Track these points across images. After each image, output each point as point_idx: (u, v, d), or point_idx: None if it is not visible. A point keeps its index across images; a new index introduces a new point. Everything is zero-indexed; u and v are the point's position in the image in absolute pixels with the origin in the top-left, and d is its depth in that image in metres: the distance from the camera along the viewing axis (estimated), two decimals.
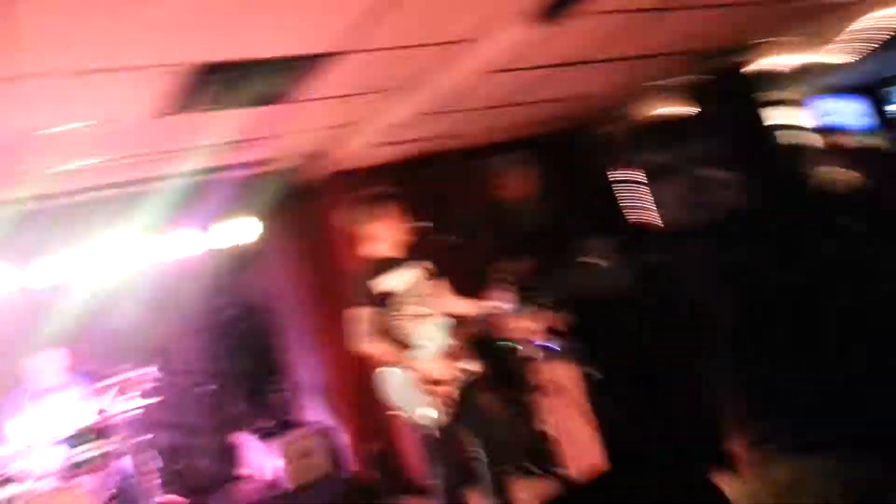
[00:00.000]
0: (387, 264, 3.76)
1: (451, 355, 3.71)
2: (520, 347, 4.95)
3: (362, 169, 5.48)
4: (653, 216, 5.88)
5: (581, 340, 4.05)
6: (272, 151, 4.92)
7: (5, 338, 5.67)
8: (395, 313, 3.70)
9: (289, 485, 5.91)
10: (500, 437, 3.96)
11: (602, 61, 4.56)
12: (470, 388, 3.75)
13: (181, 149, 4.41)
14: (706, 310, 4.09)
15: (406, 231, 3.82)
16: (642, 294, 3.99)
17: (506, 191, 6.45)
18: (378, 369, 3.75)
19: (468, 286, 4.04)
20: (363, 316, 3.63)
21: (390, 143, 5.08)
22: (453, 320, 3.83)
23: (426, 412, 3.61)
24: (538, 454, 4.99)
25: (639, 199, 6.14)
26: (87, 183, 4.51)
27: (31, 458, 5.19)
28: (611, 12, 3.69)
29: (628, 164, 6.17)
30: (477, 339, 3.91)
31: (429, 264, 3.92)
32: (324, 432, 6.20)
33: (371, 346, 3.63)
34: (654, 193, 5.77)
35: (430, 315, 3.77)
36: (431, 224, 3.88)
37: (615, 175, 6.48)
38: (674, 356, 4.00)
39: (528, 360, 4.76)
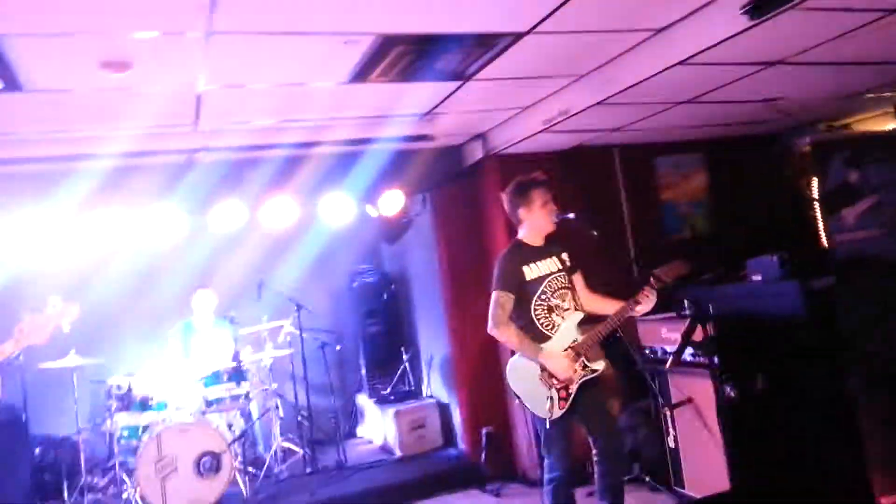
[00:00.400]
0: (535, 252, 3.75)
1: (579, 351, 3.64)
2: (654, 354, 4.78)
3: (523, 154, 5.45)
4: (836, 238, 5.38)
5: (723, 356, 3.81)
6: (439, 127, 4.96)
7: (175, 274, 6.25)
8: (535, 302, 3.67)
9: (398, 452, 6.06)
10: (616, 442, 3.83)
11: (808, 64, 4.17)
12: (593, 386, 3.67)
13: (353, 117, 4.55)
14: (874, 347, 3.73)
15: (554, 221, 3.77)
16: (806, 320, 3.68)
17: (671, 192, 6.21)
18: (510, 355, 3.75)
19: (611, 284, 3.94)
20: (501, 300, 3.64)
21: (556, 131, 4.98)
22: (586, 316, 3.75)
23: (545, 404, 3.57)
24: (656, 465, 4.82)
25: (826, 218, 5.59)
26: (260, 141, 4.73)
27: (173, 388, 5.65)
28: (826, 10, 3.35)
29: (819, 179, 5.60)
30: (610, 339, 3.79)
31: (571, 257, 3.86)
32: (440, 407, 6.29)
33: (503, 332, 3.64)
34: (844, 215, 5.25)
35: (566, 309, 3.71)
36: (581, 217, 3.79)
37: (803, 189, 5.95)
38: (826, 388, 3.68)
39: (662, 368, 4.57)
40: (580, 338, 3.66)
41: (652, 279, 3.64)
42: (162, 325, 6.16)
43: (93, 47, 3.01)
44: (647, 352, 4.87)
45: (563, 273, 3.77)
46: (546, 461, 3.74)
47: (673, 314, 4.48)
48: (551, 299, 3.68)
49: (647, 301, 3.63)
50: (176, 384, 5.68)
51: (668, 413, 4.65)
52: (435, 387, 6.55)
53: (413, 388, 6.79)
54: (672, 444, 4.69)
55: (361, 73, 3.72)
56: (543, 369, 3.60)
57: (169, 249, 6.01)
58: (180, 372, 5.74)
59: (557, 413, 3.59)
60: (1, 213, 4.52)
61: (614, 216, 5.96)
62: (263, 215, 5.28)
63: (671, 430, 4.69)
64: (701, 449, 4.40)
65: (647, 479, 4.89)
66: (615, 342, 4.96)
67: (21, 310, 3.02)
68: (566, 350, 3.64)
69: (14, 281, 5.34)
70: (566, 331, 3.68)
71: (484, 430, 5.54)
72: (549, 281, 3.71)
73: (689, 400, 4.47)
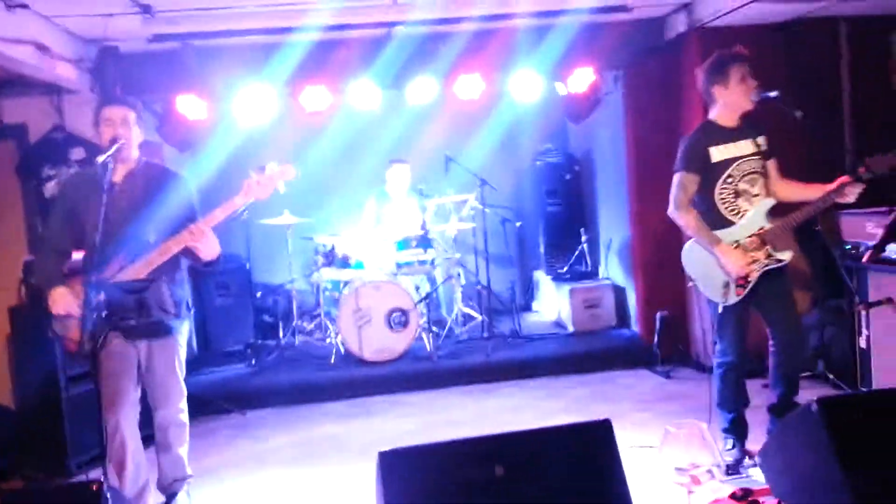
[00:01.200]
0: (725, 133, 3.53)
1: (765, 239, 3.47)
2: (855, 249, 4.44)
3: (732, 27, 5.03)
4: None
5: None
6: None
7: (373, 146, 6.80)
8: (720, 185, 3.50)
9: (571, 327, 6.28)
10: (796, 335, 3.60)
11: None
12: (777, 276, 3.50)
13: None
14: None
15: (753, 100, 3.49)
16: None
17: None
18: (687, 239, 3.66)
19: (808, 170, 3.65)
20: (684, 182, 3.51)
21: (768, 0, 4.52)
22: (778, 203, 3.52)
23: (720, 288, 3.48)
24: (843, 365, 4.59)
25: None
26: (452, 13, 4.78)
27: (369, 250, 6.24)
28: None
29: None
30: (806, 229, 3.54)
31: (769, 141, 3.58)
32: (615, 290, 6.36)
33: (682, 216, 3.52)
34: None
35: (755, 195, 3.50)
36: (784, 96, 3.48)
37: None
38: None
39: (860, 263, 4.25)
40: (768, 225, 3.47)
41: (862, 168, 3.31)
42: (361, 191, 6.73)
43: None
44: (847, 247, 4.53)
45: (758, 157, 3.52)
46: (718, 346, 3.65)
47: (884, 208, 4.10)
48: (739, 183, 3.49)
49: (852, 191, 3.33)
50: (371, 247, 6.26)
51: (863, 312, 4.36)
52: (612, 269, 6.59)
53: (590, 269, 6.87)
54: (863, 345, 4.42)
55: None
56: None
57: (368, 123, 6.47)
58: (374, 235, 6.30)
59: (733, 299, 3.48)
60: (227, 84, 5.09)
61: (833, 100, 5.38)
62: (454, 90, 5.43)
63: (864, 329, 4.40)
64: (894, 352, 4.12)
65: (831, 377, 4.69)
66: (813, 234, 4.68)
67: (247, 170, 3.43)
68: (751, 237, 3.49)
69: (241, 146, 6.06)
70: (754, 217, 3.50)
71: (658, 314, 5.54)
72: (739, 164, 3.49)
73: (889, 300, 4.14)
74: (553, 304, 6.88)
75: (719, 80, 3.50)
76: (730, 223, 3.50)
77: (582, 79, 5.45)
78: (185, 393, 3.40)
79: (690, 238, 3.63)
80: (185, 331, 3.38)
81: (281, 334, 6.34)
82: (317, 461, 4.20)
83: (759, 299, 3.52)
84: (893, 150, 3.33)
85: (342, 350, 5.88)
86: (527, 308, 7.61)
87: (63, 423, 4.18)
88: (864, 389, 4.37)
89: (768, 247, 3.47)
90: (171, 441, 3.37)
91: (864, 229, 4.42)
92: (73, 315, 3.05)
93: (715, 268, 3.50)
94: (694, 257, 3.60)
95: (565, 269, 6.91)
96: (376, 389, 5.42)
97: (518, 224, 6.94)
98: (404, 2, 4.44)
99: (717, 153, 3.49)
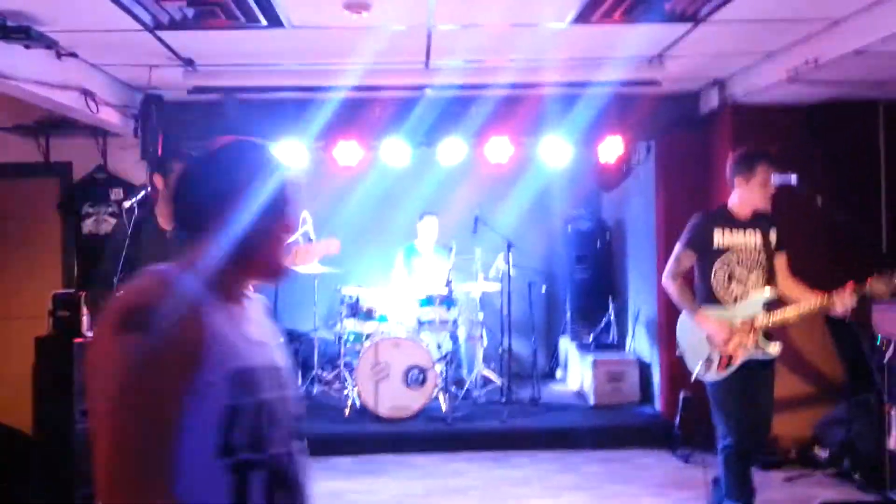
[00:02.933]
0: (735, 221, 3.63)
1: (756, 328, 3.51)
2: (884, 344, 4.24)
3: (765, 106, 5.03)
4: None
5: None
6: (668, 72, 4.72)
7: (404, 202, 6.90)
8: (717, 266, 3.59)
9: (592, 400, 6.12)
10: (762, 428, 3.68)
11: None
12: (762, 368, 3.58)
13: (575, 58, 4.53)
14: None
15: (769, 195, 3.59)
16: None
17: None
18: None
19: (838, 261, 3.59)
20: (680, 256, 3.67)
21: (804, 82, 4.49)
22: (777, 297, 3.58)
23: (701, 361, 3.60)
24: (870, 464, 4.34)
25: None
26: (482, 80, 4.88)
27: (394, 304, 6.26)
28: None
29: None
30: (836, 320, 3.57)
31: (781, 235, 3.66)
32: (640, 364, 6.21)
33: (669, 285, 3.66)
34: None
35: (751, 282, 3.56)
36: (803, 182, 3.47)
37: None
38: None
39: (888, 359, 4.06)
40: (762, 315, 3.51)
41: (857, 285, 3.32)
42: (391, 245, 6.79)
43: None
44: (878, 341, 4.33)
45: (762, 251, 3.60)
46: (718, 429, 3.67)
47: None
48: (736, 268, 3.59)
49: (842, 304, 3.34)
50: (396, 300, 6.28)
51: (894, 412, 4.13)
52: (639, 342, 6.44)
53: (616, 340, 6.73)
54: (892, 446, 4.18)
55: (584, 14, 3.70)
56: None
57: (400, 179, 6.58)
58: (400, 290, 6.32)
59: (714, 375, 3.56)
60: (264, 136, 5.24)
61: (869, 188, 5.23)
62: (484, 152, 5.50)
63: (894, 429, 4.17)
64: None
65: (857, 476, 4.44)
66: (844, 326, 4.50)
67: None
68: (743, 321, 3.51)
69: None
70: (750, 304, 3.55)
71: (682, 393, 5.36)
72: (740, 251, 3.59)
73: None
74: (577, 373, 6.73)
75: (744, 173, 3.60)
76: (722, 303, 3.58)
77: (612, 148, 5.44)
78: None
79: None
80: None
81: (299, 383, 6.35)
82: None
83: (739, 385, 3.55)
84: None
85: (358, 404, 5.84)
86: (551, 375, 7.47)
87: (73, 455, 4.23)
88: (893, 496, 4.13)
89: (758, 335, 3.52)
90: None
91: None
92: None
93: (702, 341, 3.59)
94: (685, 328, 3.75)
95: (591, 338, 6.79)
96: (387, 447, 5.35)
97: (544, 288, 6.87)
98: (436, 66, 4.55)
99: (720, 237, 3.61)
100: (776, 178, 3.52)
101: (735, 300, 3.56)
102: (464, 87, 4.90)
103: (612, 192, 6.49)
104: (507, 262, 6.15)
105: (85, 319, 4.07)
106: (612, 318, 6.77)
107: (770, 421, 3.70)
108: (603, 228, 7.06)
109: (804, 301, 3.48)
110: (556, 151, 5.52)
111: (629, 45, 4.31)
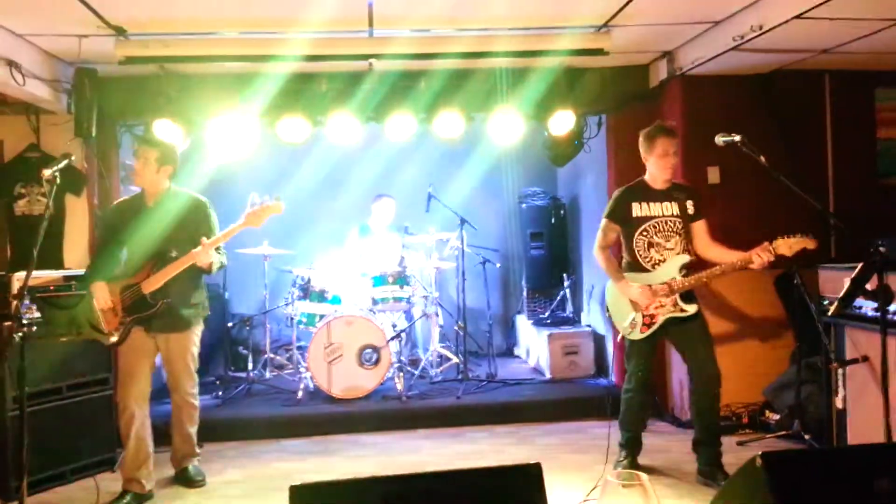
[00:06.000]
0: (651, 193, 4.01)
1: (673, 289, 3.89)
2: (825, 303, 4.30)
3: (712, 76, 5.06)
4: None
5: None
6: (617, 42, 4.67)
7: (354, 180, 6.87)
8: (637, 236, 3.98)
9: (548, 374, 6.11)
10: (709, 367, 3.95)
11: None
12: (684, 324, 3.93)
13: (523, 27, 4.45)
14: None
15: (667, 176, 3.99)
16: None
17: (892, 129, 5.42)
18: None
19: (789, 220, 3.83)
20: (605, 228, 4.07)
21: (750, 50, 4.50)
22: (694, 260, 3.97)
23: (625, 322, 4.00)
24: (819, 425, 4.40)
25: None
26: (430, 49, 4.67)
27: (346, 284, 6.15)
28: None
29: None
30: (784, 283, 3.94)
31: (697, 206, 4.01)
32: (596, 337, 6.22)
33: (597, 255, 4.09)
34: None
35: (669, 248, 3.95)
36: (747, 141, 3.58)
37: None
38: None
39: (837, 321, 4.11)
40: (679, 277, 3.90)
41: (772, 243, 3.68)
42: (342, 225, 6.67)
43: None
44: (825, 301, 4.38)
45: (679, 218, 3.97)
46: (626, 374, 4.22)
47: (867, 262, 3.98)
48: (654, 237, 3.96)
49: (759, 261, 3.69)
50: (348, 280, 6.17)
51: (839, 370, 4.19)
52: (593, 317, 6.45)
53: (572, 315, 6.74)
54: (840, 405, 4.24)
55: None
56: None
57: (350, 157, 6.45)
58: (352, 269, 6.22)
59: (637, 335, 3.99)
60: (203, 111, 5.08)
61: (815, 153, 5.31)
62: (434, 127, 5.39)
63: (841, 389, 4.23)
64: (872, 413, 3.93)
65: (807, 437, 4.50)
66: (792, 288, 4.55)
67: (221, 204, 3.91)
68: (662, 284, 3.90)
69: (217, 178, 6.03)
70: (667, 268, 3.95)
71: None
72: (657, 221, 3.97)
73: (865, 358, 3.98)
74: (533, 348, 6.73)
75: (646, 147, 4.03)
76: (644, 270, 3.98)
77: (563, 122, 5.39)
78: (197, 380, 4.13)
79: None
80: (198, 329, 4.06)
81: (250, 367, 6.20)
82: (262, 498, 4.04)
83: (675, 343, 4.12)
84: (801, 235, 3.63)
85: (311, 386, 5.74)
86: (509, 353, 7.45)
87: (5, 445, 4.06)
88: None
89: (676, 296, 3.91)
90: (183, 420, 4.12)
91: (843, 284, 4.28)
92: (106, 309, 3.79)
93: (627, 305, 4.00)
94: (612, 294, 4.12)
95: (547, 313, 6.79)
96: (341, 427, 5.25)
97: (498, 265, 6.83)
98: (381, 35, 4.44)
99: (637, 208, 4.00)
100: (720, 139, 3.66)
101: (654, 266, 3.96)
102: (411, 59, 4.78)
103: (563, 167, 6.45)
104: (461, 240, 6.09)
105: (14, 303, 3.90)
106: (568, 293, 6.77)
107: (714, 359, 3.97)
108: (557, 205, 7.04)
109: (723, 262, 3.82)
110: (507, 126, 5.44)
111: (576, 15, 4.26)
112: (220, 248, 3.94)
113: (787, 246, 3.63)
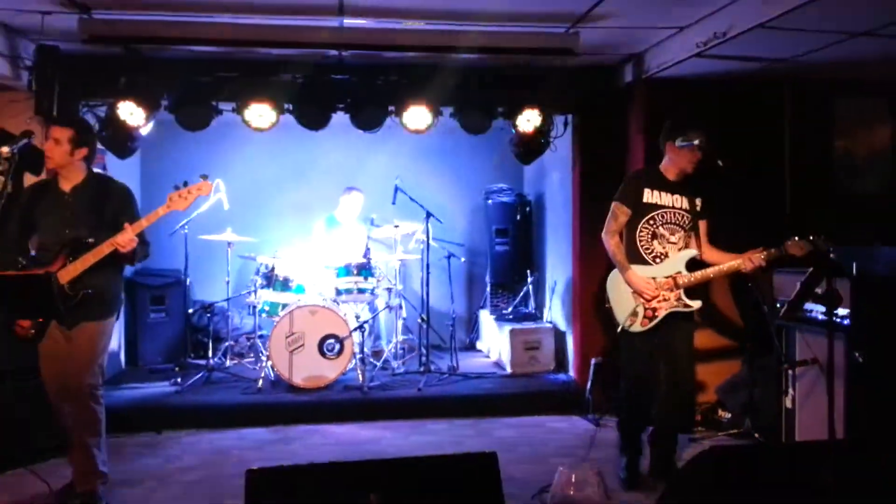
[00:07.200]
0: (664, 183, 3.90)
1: (678, 283, 3.82)
2: (779, 306, 4.42)
3: (677, 80, 5.14)
4: None
5: (857, 318, 3.52)
6: (585, 42, 4.73)
7: (322, 170, 6.82)
8: (642, 224, 3.88)
9: (509, 369, 6.17)
10: (682, 372, 3.93)
11: None
12: (682, 320, 3.86)
13: (496, 25, 4.48)
14: None
15: (695, 160, 3.82)
16: None
17: (849, 140, 5.58)
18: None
19: (749, 228, 4.04)
20: (616, 211, 3.91)
21: (713, 56, 4.60)
22: (697, 259, 3.92)
23: (627, 313, 3.84)
24: (770, 425, 4.53)
25: None
26: (399, 41, 4.70)
27: (310, 274, 6.13)
28: None
29: None
30: (739, 285, 4.03)
31: (704, 204, 3.95)
32: (556, 333, 6.29)
33: (607, 240, 3.93)
34: None
35: (672, 242, 3.88)
36: (706, 145, 3.73)
37: None
38: None
39: (788, 324, 4.25)
40: (684, 272, 3.83)
41: (766, 251, 3.70)
42: (308, 214, 6.63)
43: None
44: (778, 304, 4.51)
45: (687, 213, 3.89)
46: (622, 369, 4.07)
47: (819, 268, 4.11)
48: (660, 228, 3.87)
49: (752, 264, 3.73)
50: (313, 270, 6.15)
51: (789, 371, 4.32)
52: (555, 313, 6.54)
53: (534, 311, 6.81)
54: (789, 405, 4.37)
55: None
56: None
57: (316, 147, 6.42)
58: (317, 259, 6.19)
59: (638, 328, 3.85)
60: (170, 93, 5.01)
61: (774, 161, 5.44)
62: (402, 120, 5.39)
63: (791, 389, 4.36)
64: (820, 413, 4.06)
65: (757, 436, 4.63)
66: (746, 290, 4.68)
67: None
68: (666, 278, 3.82)
69: (188, 157, 5.97)
70: (673, 262, 3.87)
71: (593, 360, 5.47)
72: (665, 212, 3.87)
73: (814, 360, 4.12)
74: (495, 343, 6.78)
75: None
76: (645, 262, 3.87)
77: (530, 120, 5.43)
78: (99, 375, 3.64)
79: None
80: (112, 321, 3.68)
81: (211, 354, 6.14)
82: (219, 484, 4.02)
83: (661, 337, 3.87)
84: (797, 239, 3.63)
85: (272, 375, 5.71)
86: (472, 347, 7.50)
87: None
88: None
89: (680, 291, 3.82)
90: (82, 430, 3.61)
91: (795, 288, 4.41)
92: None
93: (630, 296, 3.86)
94: (614, 283, 3.96)
95: (510, 309, 6.85)
96: (301, 417, 5.24)
97: (462, 260, 6.87)
98: (351, 25, 4.44)
99: (649, 195, 3.87)
100: (679, 142, 3.75)
101: (655, 259, 3.86)
102: (381, 49, 4.77)
103: (532, 165, 6.51)
104: (427, 233, 6.11)
105: None
106: (531, 289, 6.84)
107: (691, 359, 3.98)
108: (523, 202, 7.10)
109: (723, 263, 3.81)
110: (475, 122, 5.47)
111: (545, 14, 4.30)
112: (143, 239, 3.59)
113: (798, 247, 3.62)
